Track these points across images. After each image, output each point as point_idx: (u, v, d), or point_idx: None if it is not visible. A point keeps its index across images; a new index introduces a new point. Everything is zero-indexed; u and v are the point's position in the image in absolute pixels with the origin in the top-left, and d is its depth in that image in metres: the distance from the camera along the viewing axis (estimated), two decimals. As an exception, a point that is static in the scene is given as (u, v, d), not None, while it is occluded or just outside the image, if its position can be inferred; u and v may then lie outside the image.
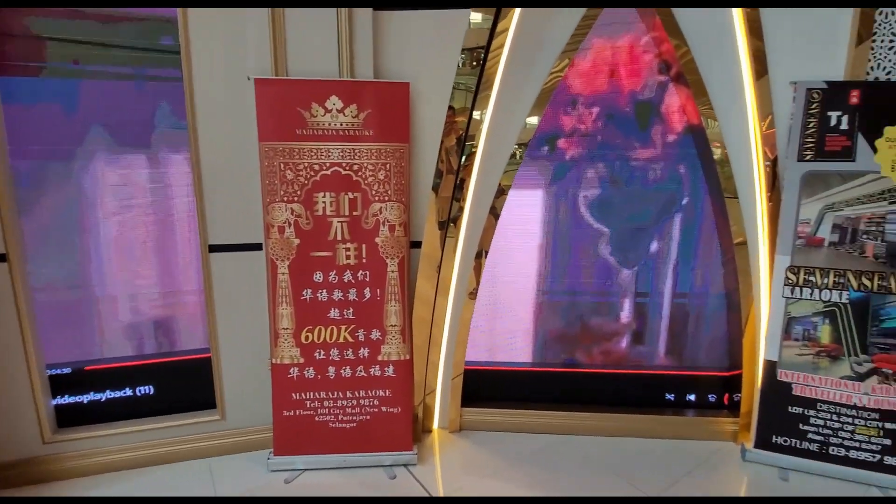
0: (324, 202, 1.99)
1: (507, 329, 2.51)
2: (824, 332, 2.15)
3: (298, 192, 1.96)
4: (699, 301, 2.46)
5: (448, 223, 2.20)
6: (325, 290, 2.06)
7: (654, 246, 2.41)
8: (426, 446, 2.38)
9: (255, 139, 1.95)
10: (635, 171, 2.34)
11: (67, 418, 2.13)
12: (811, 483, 2.12)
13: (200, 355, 2.24)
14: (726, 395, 2.52)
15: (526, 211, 2.38)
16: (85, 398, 2.14)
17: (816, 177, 2.11)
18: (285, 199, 1.96)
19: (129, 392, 2.19)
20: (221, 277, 2.11)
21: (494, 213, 2.27)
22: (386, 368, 2.13)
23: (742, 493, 2.08)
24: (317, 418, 2.14)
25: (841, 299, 2.11)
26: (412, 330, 2.18)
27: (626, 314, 2.48)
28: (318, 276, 2.05)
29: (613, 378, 2.53)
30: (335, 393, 2.13)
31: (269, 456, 2.16)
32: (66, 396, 2.12)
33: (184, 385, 2.25)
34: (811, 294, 2.15)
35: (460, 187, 2.18)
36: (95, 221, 2.01)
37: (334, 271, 2.05)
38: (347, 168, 1.98)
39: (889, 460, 2.07)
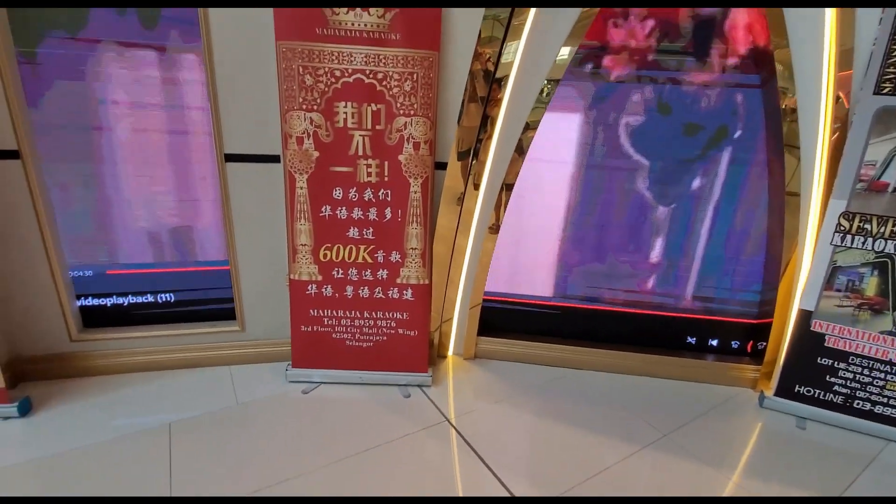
0: (345, 113, 1.85)
1: (529, 261, 2.43)
2: (871, 285, 2.01)
3: (318, 101, 1.83)
4: (737, 245, 2.32)
5: (472, 154, 2.06)
6: (344, 208, 1.98)
7: (696, 183, 2.24)
8: (441, 370, 2.40)
9: (272, 38, 1.79)
10: (686, 98, 2.12)
11: (93, 319, 2.18)
12: (829, 434, 2.09)
13: (219, 267, 2.23)
14: (750, 343, 2.45)
15: (560, 136, 2.21)
16: (108, 301, 2.17)
17: (891, 114, 1.88)
18: (304, 107, 1.83)
19: (150, 298, 2.22)
20: (238, 189, 2.05)
21: (520, 149, 2.11)
22: (404, 292, 2.10)
23: (754, 437, 2.06)
24: (334, 335, 2.15)
25: (895, 251, 1.95)
26: (432, 254, 2.11)
27: (656, 253, 2.36)
28: (337, 193, 1.96)
29: (635, 318, 2.47)
30: (353, 312, 2.12)
31: (287, 367, 2.21)
32: (91, 299, 2.15)
33: (203, 295, 2.27)
34: (863, 243, 1.99)
35: (485, 123, 2.02)
36: (107, 120, 1.92)
37: (354, 188, 1.96)
38: (371, 76, 1.82)
39: (916, 417, 2.01)
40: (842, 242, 2.02)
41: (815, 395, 2.15)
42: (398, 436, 1.92)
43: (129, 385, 2.14)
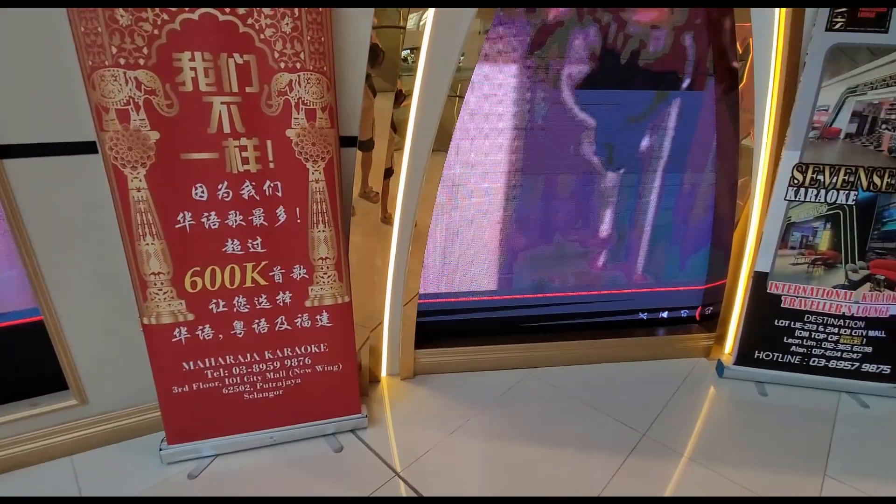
0: (193, 69, 1.21)
1: (467, 252, 2.01)
2: (824, 239, 1.91)
3: (145, 50, 1.17)
4: (685, 209, 2.12)
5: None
6: (213, 213, 1.36)
7: (644, 142, 1.96)
8: (375, 400, 1.92)
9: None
10: (633, 39, 1.79)
11: None
12: (789, 395, 2.02)
13: (27, 319, 1.48)
14: (699, 309, 2.31)
15: (493, 94, 1.77)
16: None
17: (843, 52, 1.73)
18: (122, 61, 1.16)
19: None
20: (34, 199, 1.31)
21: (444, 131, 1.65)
22: (318, 317, 1.55)
23: (725, 415, 1.91)
24: (225, 390, 1.55)
25: (847, 200, 1.85)
26: (349, 262, 1.58)
27: (605, 227, 2.07)
28: (199, 192, 1.33)
29: (587, 301, 2.20)
30: (248, 356, 1.53)
31: (161, 445, 1.56)
32: None
33: (8, 362, 1.51)
34: (816, 195, 1.87)
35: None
36: None
37: (225, 182, 1.34)
38: (230, 12, 1.20)
39: (866, 367, 1.99)
40: (795, 197, 1.88)
41: (774, 359, 2.06)
42: (336, 514, 1.42)
43: None
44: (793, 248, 1.94)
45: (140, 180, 1.26)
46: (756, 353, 2.07)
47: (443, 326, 2.08)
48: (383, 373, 2.05)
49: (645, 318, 2.27)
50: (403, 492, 1.50)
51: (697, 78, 1.89)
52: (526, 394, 1.98)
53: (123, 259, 1.36)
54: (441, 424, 1.79)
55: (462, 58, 1.55)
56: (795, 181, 1.86)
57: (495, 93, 1.75)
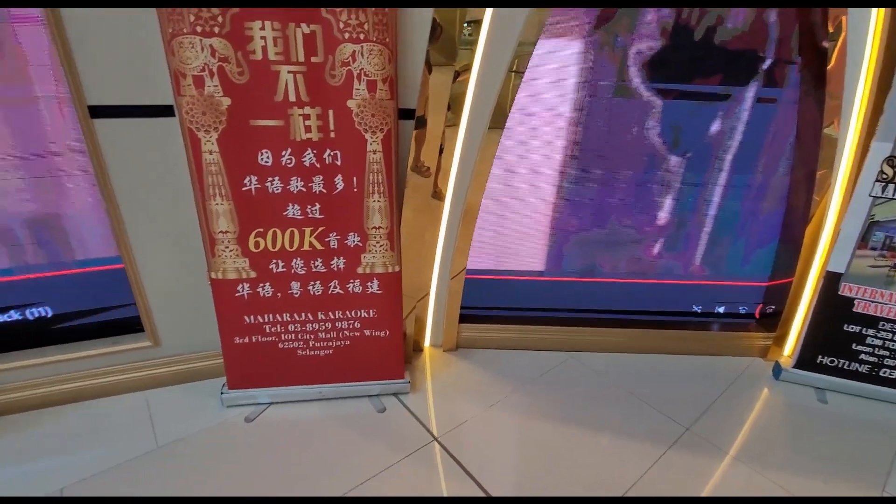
0: (263, 38, 1.26)
1: (517, 230, 1.99)
2: (912, 240, 1.74)
3: (220, 19, 1.22)
4: (754, 199, 1.98)
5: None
6: (277, 178, 1.43)
7: (715, 126, 1.84)
8: (417, 369, 1.98)
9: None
10: (710, 14, 1.67)
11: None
12: (853, 405, 1.89)
13: (110, 266, 1.64)
14: (759, 307, 2.19)
15: (555, 69, 1.72)
16: (-50, 324, 1.55)
17: (960, 30, 1.53)
18: (199, 29, 1.22)
19: (16, 315, 1.61)
20: (119, 156, 1.43)
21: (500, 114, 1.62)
22: (369, 284, 1.61)
23: (780, 418, 1.83)
24: (281, 345, 1.66)
25: (945, 199, 1.67)
26: (400, 232, 1.62)
27: (664, 213, 1.99)
28: (265, 157, 1.40)
29: (637, 289, 2.14)
30: (303, 315, 1.62)
31: (222, 389, 1.71)
32: (-81, 323, 1.52)
33: (93, 304, 1.68)
34: (908, 192, 1.69)
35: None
36: None
37: (289, 149, 1.40)
38: (299, -19, 1.23)
39: (948, 382, 1.83)
40: (882, 193, 1.72)
41: (839, 366, 1.93)
42: (377, 469, 1.51)
43: (4, 433, 1.57)
44: (873, 248, 1.78)
45: (212, 143, 1.34)
46: (819, 358, 1.94)
47: (487, 302, 2.09)
48: (426, 343, 2.11)
49: (699, 311, 2.18)
50: (433, 457, 1.56)
51: (779, 59, 1.74)
52: (567, 376, 1.97)
53: (195, 216, 1.47)
54: (480, 398, 1.83)
55: (524, 31, 1.51)
56: (884, 176, 1.70)
57: (557, 68, 1.70)
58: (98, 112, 1.35)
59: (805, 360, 1.96)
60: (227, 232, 1.46)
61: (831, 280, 1.85)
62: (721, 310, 2.20)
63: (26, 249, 1.55)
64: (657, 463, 1.58)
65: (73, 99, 1.31)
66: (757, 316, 2.21)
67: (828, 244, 1.89)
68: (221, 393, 1.70)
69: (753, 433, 1.74)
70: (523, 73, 1.60)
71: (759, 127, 1.84)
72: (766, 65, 1.75)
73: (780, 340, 2.13)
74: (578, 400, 1.84)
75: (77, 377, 1.69)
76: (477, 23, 1.47)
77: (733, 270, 2.11)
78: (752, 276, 2.12)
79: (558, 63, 1.69)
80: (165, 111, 1.39)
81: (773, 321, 2.12)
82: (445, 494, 1.45)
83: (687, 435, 1.70)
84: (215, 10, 1.20)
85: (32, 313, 1.63)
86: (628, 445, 1.64)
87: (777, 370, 2.02)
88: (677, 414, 1.80)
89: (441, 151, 1.65)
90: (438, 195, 1.75)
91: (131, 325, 1.72)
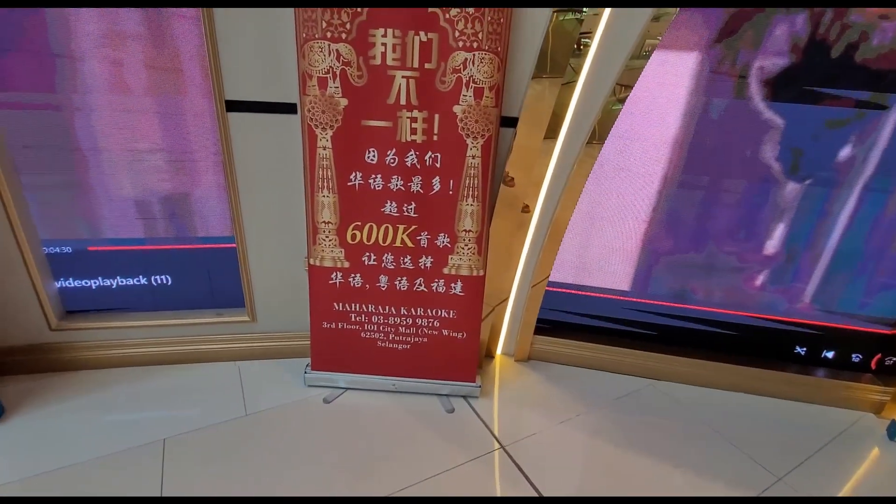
0: (384, 44, 1.34)
1: (603, 246, 1.94)
2: None
3: (348, 26, 1.32)
4: (882, 234, 1.77)
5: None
6: (379, 176, 1.51)
7: (844, 151, 1.68)
8: (488, 375, 1.99)
9: (286, -68, 1.27)
10: (848, 32, 1.52)
11: (76, 304, 1.81)
12: None
13: (225, 244, 1.81)
14: (876, 358, 1.95)
15: (665, 83, 1.65)
16: (93, 283, 1.79)
17: None
18: (329, 34, 1.32)
19: (142, 280, 1.83)
20: (244, 147, 1.59)
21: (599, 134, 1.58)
22: (453, 285, 1.65)
23: (888, 481, 1.61)
24: (363, 334, 1.74)
25: None
26: (489, 238, 1.64)
27: (773, 243, 1.84)
28: (371, 155, 1.48)
29: (733, 322, 1.99)
30: (387, 308, 1.69)
31: (306, 369, 1.82)
32: (71, 280, 1.77)
33: (206, 278, 1.87)
34: None
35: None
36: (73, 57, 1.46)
37: (393, 150, 1.47)
38: (423, -8, 1.29)
39: None
40: None
41: (977, 435, 1.66)
42: (443, 468, 1.53)
43: (117, 383, 1.79)
44: None
45: (327, 140, 1.44)
46: (951, 424, 1.69)
47: (566, 317, 2.05)
48: (499, 350, 2.10)
49: (803, 353, 1.98)
50: (497, 464, 1.55)
51: (934, 80, 1.54)
52: (644, 404, 1.88)
53: (301, 206, 1.59)
54: (549, 413, 1.80)
55: (637, 44, 1.47)
56: None
57: (667, 82, 1.64)
58: (233, 106, 1.50)
59: (932, 424, 1.72)
60: (329, 223, 1.56)
61: (975, 337, 1.60)
62: (829, 355, 1.99)
63: (157, 224, 1.76)
64: (743, 511, 1.45)
65: (213, 92, 1.47)
66: (874, 367, 1.97)
67: (974, 295, 1.64)
68: (305, 372, 1.81)
69: (856, 493, 1.55)
70: (632, 86, 1.55)
71: (891, 154, 1.64)
72: (911, 88, 1.56)
73: (900, 398, 1.88)
74: (655, 430, 1.75)
75: (184, 341, 1.88)
76: (589, 34, 1.46)
77: (849, 312, 1.90)
78: (873, 320, 1.90)
79: (670, 76, 1.63)
80: (289, 109, 1.52)
81: (894, 375, 1.88)
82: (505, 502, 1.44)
83: (778, 485, 1.56)
84: (345, 17, 1.30)
85: (156, 280, 1.84)
86: (708, 488, 1.53)
87: (893, 429, 1.79)
88: (768, 461, 1.65)
89: (537, 161, 1.65)
90: (526, 208, 1.75)
91: (234, 301, 1.88)
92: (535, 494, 1.46)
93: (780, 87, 1.60)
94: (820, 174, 1.71)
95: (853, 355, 1.98)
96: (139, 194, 1.68)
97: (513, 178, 1.67)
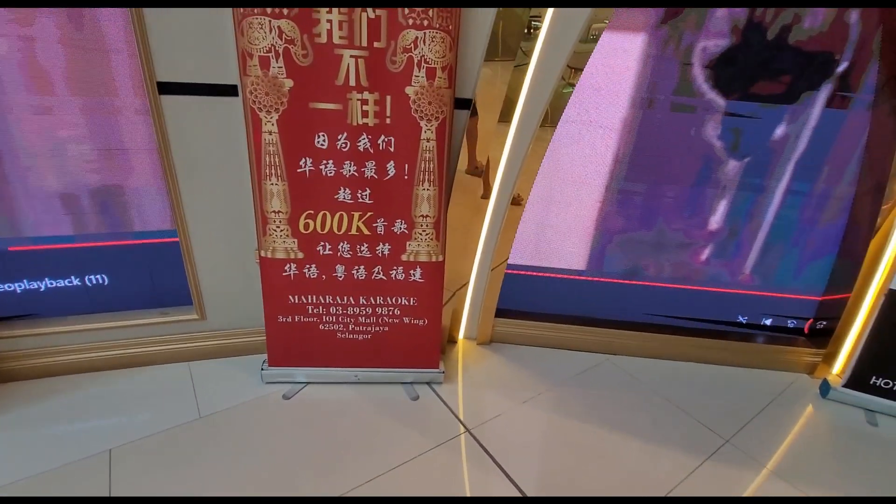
0: (329, 21, 1.27)
1: (559, 228, 1.96)
2: None
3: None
4: (814, 208, 1.89)
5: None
6: (331, 162, 1.45)
7: (779, 130, 1.77)
8: (451, 360, 1.99)
9: None
10: (786, 13, 1.59)
11: (1, 311, 1.65)
12: (906, 430, 1.80)
13: (166, 239, 1.69)
14: (809, 322, 2.10)
15: (614, 64, 1.67)
16: (17, 286, 1.64)
17: None
18: (268, 10, 1.24)
19: (75, 281, 1.68)
20: (181, 133, 1.48)
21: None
22: (412, 272, 1.62)
23: (825, 437, 1.75)
24: (322, 327, 1.68)
25: None
26: (446, 223, 1.62)
27: (716, 219, 1.92)
28: (321, 140, 1.42)
29: (680, 295, 2.08)
30: (345, 298, 1.64)
31: (263, 365, 1.75)
32: (-10, 282, 1.61)
33: (147, 276, 1.75)
34: None
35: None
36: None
37: (345, 134, 1.41)
38: (367, -34, 1.23)
39: None
40: (959, 209, 1.61)
41: (894, 388, 1.84)
42: (409, 456, 1.52)
43: (56, 393, 1.65)
44: (945, 267, 1.68)
45: (272, 124, 1.36)
46: (873, 379, 1.86)
47: (525, 298, 2.08)
48: (461, 335, 2.11)
49: (744, 321, 2.10)
50: (464, 448, 1.56)
51: (857, 61, 1.64)
52: (602, 379, 1.95)
53: (249, 195, 1.51)
54: (512, 393, 1.82)
55: (585, 28, 1.48)
56: (964, 191, 1.59)
57: (616, 63, 1.65)
58: (166, 88, 1.39)
59: (857, 379, 1.87)
60: (279, 212, 1.49)
61: (893, 298, 1.76)
62: (767, 322, 2.12)
63: (89, 218, 1.62)
64: (694, 473, 1.54)
65: (143, 74, 1.35)
66: (806, 331, 2.12)
67: (892, 260, 1.79)
68: (262, 369, 1.74)
69: (797, 450, 1.68)
70: (582, 69, 1.56)
71: (825, 132, 1.75)
72: (840, 68, 1.66)
73: (830, 358, 2.04)
74: (613, 403, 1.81)
75: (127, 344, 1.76)
76: (539, 17, 1.45)
77: (784, 282, 2.03)
78: (805, 289, 2.04)
79: (618, 58, 1.65)
80: (230, 90, 1.42)
81: (824, 338, 2.04)
82: (474, 485, 1.45)
83: (726, 447, 1.66)
84: (285, -9, 1.22)
85: (91, 280, 1.70)
86: (664, 453, 1.61)
87: (825, 388, 1.94)
88: (716, 425, 1.75)
89: (491, 144, 1.64)
90: (486, 187, 1.74)
91: (180, 298, 1.77)
92: (502, 474, 1.48)
93: (723, 68, 1.65)
94: (756, 152, 1.80)
95: (789, 321, 2.12)
96: (64, 187, 1.53)
97: (478, 160, 1.65)
